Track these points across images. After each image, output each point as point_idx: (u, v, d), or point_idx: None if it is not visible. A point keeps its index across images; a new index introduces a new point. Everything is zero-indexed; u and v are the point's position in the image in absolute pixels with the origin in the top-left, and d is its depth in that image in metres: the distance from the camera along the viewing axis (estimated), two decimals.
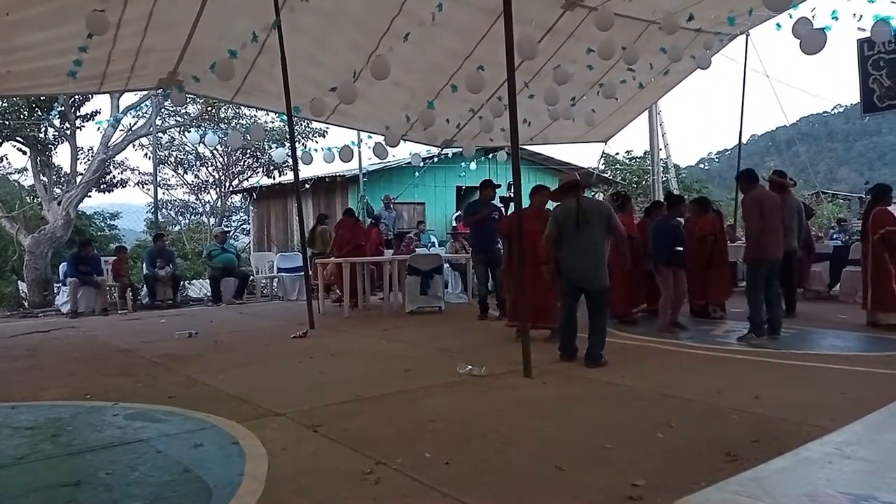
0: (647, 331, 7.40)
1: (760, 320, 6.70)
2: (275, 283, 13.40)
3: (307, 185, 16.16)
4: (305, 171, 15.57)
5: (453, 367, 5.46)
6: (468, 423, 4.02)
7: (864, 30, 8.84)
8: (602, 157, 18.55)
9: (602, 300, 5.83)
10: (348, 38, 9.15)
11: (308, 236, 11.23)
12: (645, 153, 21.51)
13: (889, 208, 7.53)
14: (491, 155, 15.33)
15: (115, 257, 12.38)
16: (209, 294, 12.88)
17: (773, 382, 4.97)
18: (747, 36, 11.02)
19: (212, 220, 23.82)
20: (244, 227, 24.06)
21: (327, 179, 17.37)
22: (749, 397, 4.42)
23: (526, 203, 6.74)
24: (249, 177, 23.60)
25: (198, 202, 24.93)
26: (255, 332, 8.56)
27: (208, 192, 24.65)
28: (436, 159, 15.41)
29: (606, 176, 23.43)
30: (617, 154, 25.51)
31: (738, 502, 1.03)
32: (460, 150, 13.21)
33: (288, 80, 7.83)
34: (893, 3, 8.84)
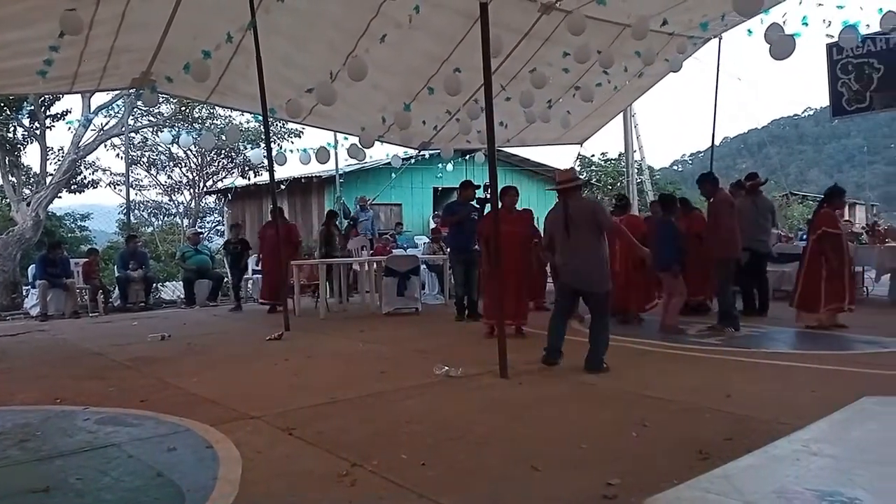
0: (624, 330, 7.45)
1: (734, 313, 7.15)
2: (249, 285, 13.27)
3: (283, 186, 16.04)
4: (281, 172, 15.46)
5: (430, 369, 5.46)
6: (444, 425, 4.03)
7: (832, 35, 9.04)
8: (578, 158, 18.69)
9: (600, 303, 5.59)
10: (325, 40, 9.10)
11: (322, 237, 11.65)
12: (620, 155, 21.67)
13: (839, 211, 7.68)
14: (468, 157, 15.36)
15: (86, 259, 12.17)
16: (182, 296, 12.71)
17: (744, 381, 5.06)
18: (720, 40, 11.18)
19: (185, 222, 23.50)
20: (218, 228, 23.80)
21: (303, 180, 17.27)
22: (721, 396, 4.49)
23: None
24: (224, 177, 23.33)
25: (171, 203, 24.57)
26: (229, 334, 8.47)
27: (182, 193, 24.32)
28: (413, 161, 15.40)
29: (582, 177, 23.57)
30: (592, 156, 25.68)
31: (707, 500, 1.05)
32: (438, 151, 13.22)
33: (263, 80, 7.77)
34: (861, 9, 9.10)
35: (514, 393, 4.84)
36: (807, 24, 8.34)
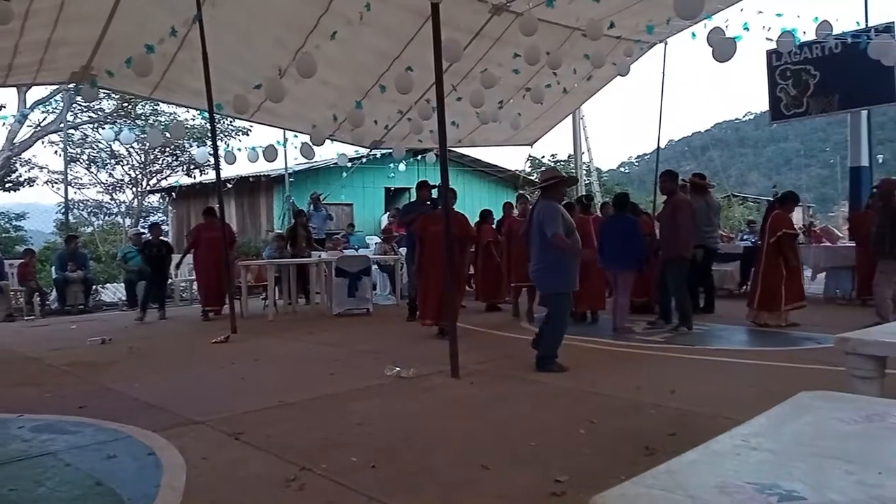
0: (572, 329, 7.52)
1: (690, 312, 7.40)
2: (194, 287, 12.94)
3: (229, 185, 15.71)
4: (228, 171, 15.16)
5: (381, 370, 5.43)
6: (395, 426, 4.01)
7: (771, 39, 9.37)
8: (528, 159, 18.94)
9: (549, 304, 5.61)
10: (274, 35, 8.96)
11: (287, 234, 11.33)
12: (569, 156, 22.03)
13: (791, 214, 7.95)
14: (420, 156, 15.35)
15: (21, 260, 11.68)
16: (124, 298, 12.32)
17: (688, 377, 5.19)
18: (665, 45, 11.46)
19: (128, 221, 22.85)
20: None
21: (251, 179, 16.96)
22: (666, 392, 4.60)
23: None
24: (168, 176, 22.77)
25: (112, 202, 23.86)
26: (173, 337, 8.25)
27: (124, 192, 23.64)
28: (364, 160, 15.30)
29: (533, 179, 23.85)
30: (542, 157, 26.05)
31: (652, 495, 1.06)
32: (389, 151, 13.17)
33: (210, 76, 7.60)
34: (799, 17, 9.46)
35: (465, 392, 4.85)
36: (748, 29, 8.63)
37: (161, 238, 10.83)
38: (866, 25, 10.53)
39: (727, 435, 1.35)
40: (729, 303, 9.53)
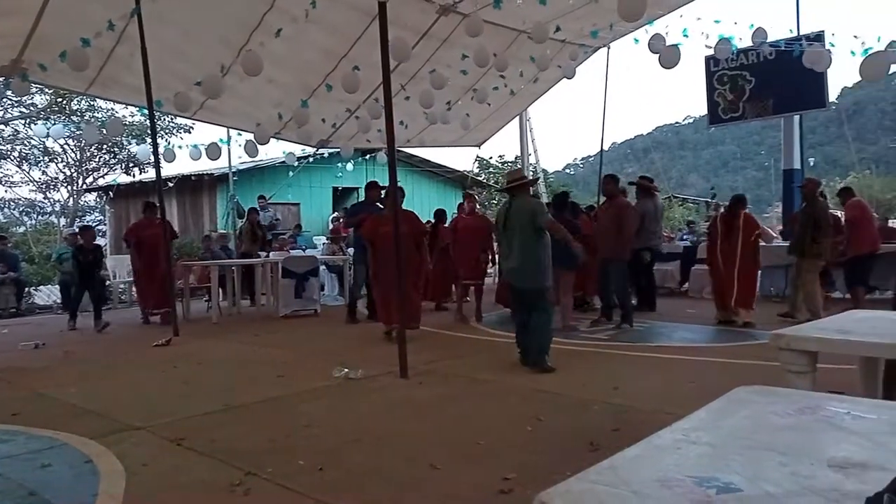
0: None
1: (631, 310, 7.72)
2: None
3: (170, 184, 15.26)
4: (170, 169, 14.74)
5: (328, 371, 5.38)
6: (343, 428, 3.97)
7: (710, 47, 9.70)
8: (476, 160, 19.05)
9: (533, 300, 5.61)
10: (217, 31, 8.75)
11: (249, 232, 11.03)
12: (516, 158, 22.25)
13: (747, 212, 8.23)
14: (369, 156, 15.24)
15: None
16: (59, 301, 11.83)
17: (631, 374, 5.32)
18: (608, 49, 11.70)
19: (62, 221, 21.96)
20: (100, 228, 22.39)
21: (193, 178, 16.53)
22: (610, 389, 4.70)
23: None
24: (106, 174, 21.99)
25: (46, 201, 22.90)
26: (111, 341, 7.97)
27: (58, 191, 22.71)
28: (311, 159, 15.10)
29: (481, 179, 24.01)
30: (490, 158, 26.23)
31: (595, 491, 1.09)
32: (337, 150, 13.04)
33: (149, 72, 7.38)
34: (736, 24, 9.83)
35: (413, 393, 4.85)
36: (687, 36, 8.92)
37: (95, 243, 9.63)
38: (798, 33, 10.98)
39: (668, 430, 1.39)
40: (669, 301, 9.80)
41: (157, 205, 8.69)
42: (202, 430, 3.96)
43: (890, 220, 12.50)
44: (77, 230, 10.67)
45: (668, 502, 1.04)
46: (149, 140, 11.38)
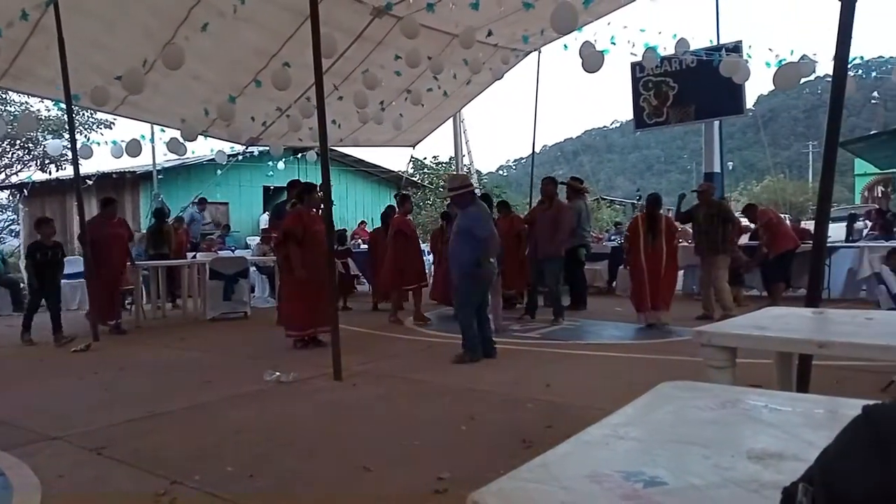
0: (450, 327, 7.66)
1: (562, 307, 8.06)
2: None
3: (89, 182, 14.57)
4: (89, 166, 14.08)
5: (259, 375, 5.25)
6: (275, 432, 3.89)
7: (636, 54, 10.04)
8: (411, 161, 19.04)
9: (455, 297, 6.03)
10: (140, 24, 8.40)
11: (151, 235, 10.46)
12: (450, 159, 22.40)
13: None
14: (300, 155, 15.00)
15: None
16: None
17: (562, 371, 5.43)
18: (539, 53, 11.91)
19: None
20: (13, 227, 21.17)
21: (114, 176, 15.86)
22: (542, 386, 4.78)
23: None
24: (19, 171, 20.80)
25: None
26: (24, 347, 7.53)
27: None
28: (241, 157, 14.73)
29: (415, 180, 24.02)
30: (425, 158, 26.31)
31: (527, 489, 1.10)
32: (267, 148, 12.77)
33: (67, 65, 7.03)
34: (660, 33, 10.19)
35: (347, 395, 4.80)
36: (615, 43, 9.23)
37: (55, 240, 8.08)
38: (718, 43, 11.49)
39: (597, 426, 1.42)
40: (599, 299, 10.06)
41: (115, 200, 8.22)
42: (124, 439, 3.80)
43: (802, 222, 13.19)
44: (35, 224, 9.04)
45: (597, 497, 1.06)
46: (66, 135, 10.85)
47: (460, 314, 6.01)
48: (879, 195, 18.44)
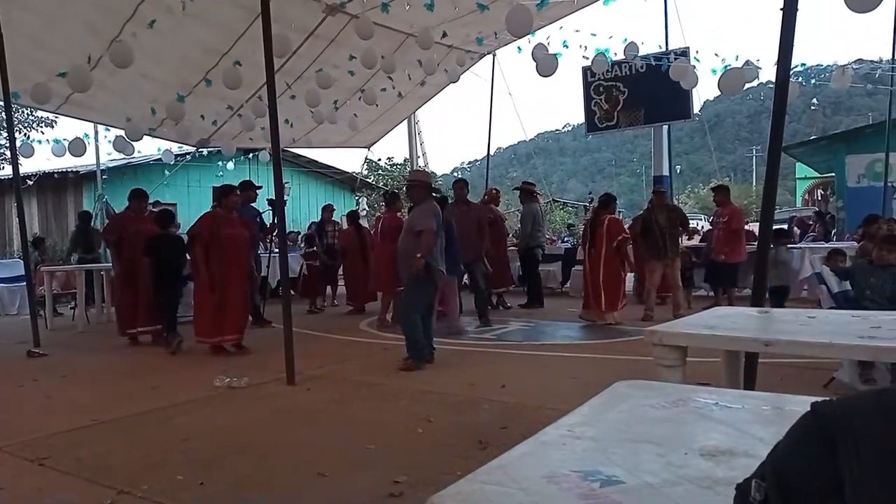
0: None
1: (487, 307, 8.22)
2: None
3: (30, 182, 14.03)
4: (29, 165, 13.57)
5: (210, 380, 5.13)
6: (227, 439, 3.81)
7: (588, 58, 10.21)
8: (365, 162, 18.92)
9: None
10: (84, 20, 8.12)
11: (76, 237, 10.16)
12: (405, 160, 22.33)
13: (614, 215, 8.61)
14: (252, 155, 14.74)
15: None
16: None
17: (517, 372, 5.46)
18: (494, 56, 12.00)
19: None
20: None
21: (56, 175, 15.31)
22: (498, 388, 4.80)
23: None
24: None
25: None
26: None
27: None
28: (189, 157, 14.39)
29: (369, 181, 23.89)
30: (379, 160, 26.16)
31: (485, 491, 1.10)
32: (218, 148, 12.50)
33: (5, 61, 6.76)
34: (611, 38, 10.44)
35: (301, 399, 4.73)
36: (567, 47, 9.37)
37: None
38: (666, 48, 11.77)
39: (554, 426, 1.43)
40: (552, 300, 10.18)
41: (146, 192, 7.86)
42: (67, 448, 3.66)
43: (747, 224, 13.56)
44: None
45: (555, 497, 1.06)
46: (4, 134, 10.41)
47: (403, 317, 5.77)
48: (819, 198, 19.16)
